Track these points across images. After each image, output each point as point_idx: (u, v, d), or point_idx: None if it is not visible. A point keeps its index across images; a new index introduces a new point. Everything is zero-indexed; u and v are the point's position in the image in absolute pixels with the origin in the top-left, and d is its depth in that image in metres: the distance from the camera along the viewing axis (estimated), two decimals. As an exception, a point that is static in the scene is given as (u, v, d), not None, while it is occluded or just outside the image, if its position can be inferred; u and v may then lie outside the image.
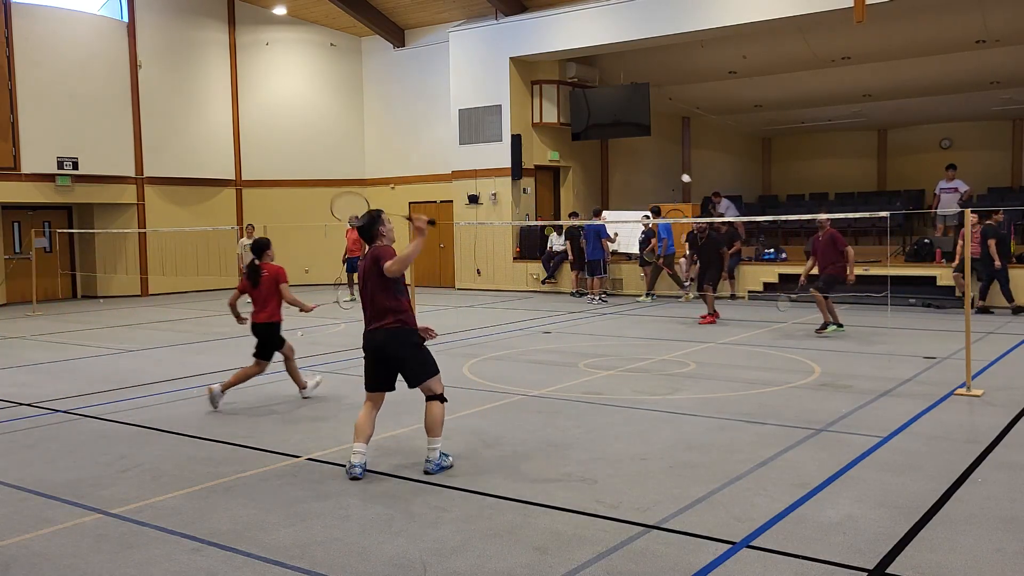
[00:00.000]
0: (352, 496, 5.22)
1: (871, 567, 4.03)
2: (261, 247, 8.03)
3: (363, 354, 5.79)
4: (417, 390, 5.76)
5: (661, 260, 17.05)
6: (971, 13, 16.22)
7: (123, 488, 5.48)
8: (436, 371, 5.74)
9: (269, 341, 8.00)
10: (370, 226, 5.73)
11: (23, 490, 5.49)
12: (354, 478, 5.55)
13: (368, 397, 5.81)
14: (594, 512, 4.84)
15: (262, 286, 7.90)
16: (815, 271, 12.24)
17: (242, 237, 18.18)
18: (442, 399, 5.70)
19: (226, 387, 7.83)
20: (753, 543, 4.34)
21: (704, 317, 13.46)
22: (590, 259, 16.95)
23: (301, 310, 8.10)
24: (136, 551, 4.42)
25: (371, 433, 5.73)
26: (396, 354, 5.64)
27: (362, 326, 5.79)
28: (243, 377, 7.92)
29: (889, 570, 4.01)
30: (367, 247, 5.80)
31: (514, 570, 4.09)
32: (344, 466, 5.75)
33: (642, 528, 4.57)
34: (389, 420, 7.13)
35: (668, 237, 17.04)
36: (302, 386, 8.19)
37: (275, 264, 8.04)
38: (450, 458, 5.77)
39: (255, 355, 8.01)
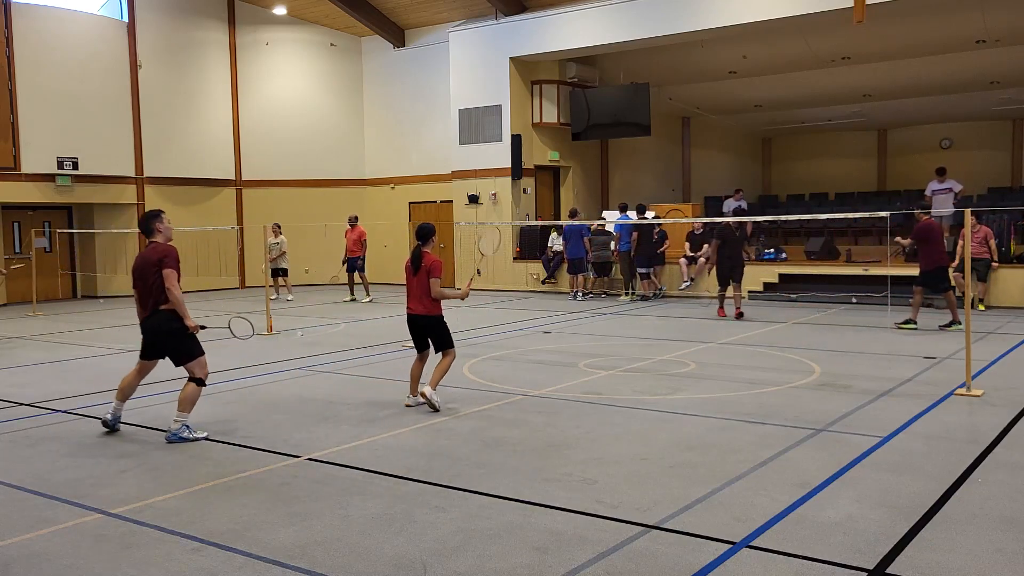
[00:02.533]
0: (352, 496, 5.22)
1: (871, 567, 4.03)
2: (427, 233, 7.62)
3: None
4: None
5: (616, 255, 17.53)
6: (971, 13, 16.22)
7: (123, 488, 5.48)
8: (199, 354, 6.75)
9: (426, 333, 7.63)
10: (146, 222, 6.79)
11: (23, 490, 5.48)
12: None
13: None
14: (594, 512, 4.84)
15: (420, 275, 7.50)
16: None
17: (270, 236, 18.06)
18: (200, 383, 6.73)
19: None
20: (753, 543, 4.34)
21: (735, 311, 13.87)
22: (572, 258, 17.58)
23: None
24: (136, 551, 4.42)
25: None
26: (157, 338, 6.77)
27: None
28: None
29: (889, 570, 4.01)
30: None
31: (514, 570, 4.09)
32: (344, 466, 5.79)
33: (642, 528, 4.57)
34: (389, 420, 7.15)
35: (624, 235, 17.16)
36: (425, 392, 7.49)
37: (433, 255, 7.60)
38: (200, 433, 6.62)
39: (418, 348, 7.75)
